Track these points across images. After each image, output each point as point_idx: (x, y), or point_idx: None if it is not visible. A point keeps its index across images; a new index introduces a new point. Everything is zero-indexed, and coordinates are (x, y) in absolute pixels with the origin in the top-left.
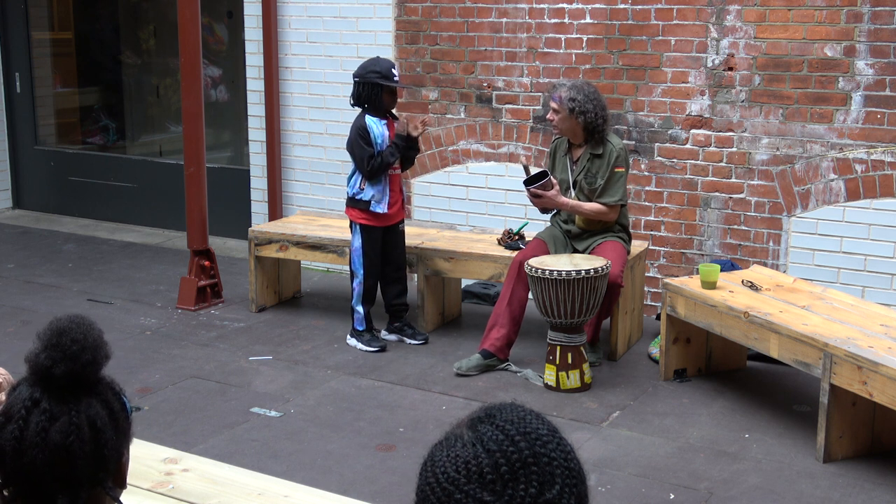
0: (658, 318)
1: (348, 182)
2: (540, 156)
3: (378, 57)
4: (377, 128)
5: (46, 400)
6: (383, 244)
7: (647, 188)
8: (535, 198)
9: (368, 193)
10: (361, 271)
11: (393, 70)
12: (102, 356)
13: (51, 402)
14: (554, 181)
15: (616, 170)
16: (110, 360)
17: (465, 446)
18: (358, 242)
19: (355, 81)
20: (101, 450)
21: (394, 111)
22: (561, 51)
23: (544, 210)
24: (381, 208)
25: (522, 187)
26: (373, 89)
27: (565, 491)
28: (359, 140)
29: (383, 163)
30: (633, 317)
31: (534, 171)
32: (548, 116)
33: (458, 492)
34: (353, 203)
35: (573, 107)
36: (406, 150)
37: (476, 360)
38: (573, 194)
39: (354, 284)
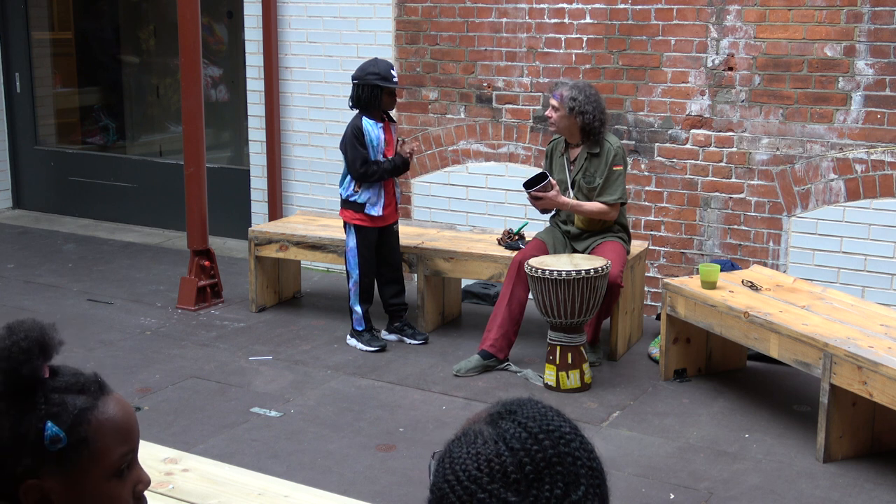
0: (658, 318)
1: (341, 183)
2: (540, 156)
3: (376, 58)
4: (373, 130)
5: None
6: (379, 245)
7: (647, 188)
8: (535, 200)
9: (364, 196)
10: (357, 271)
11: (392, 71)
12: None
13: None
14: (554, 182)
15: (614, 168)
16: (27, 377)
17: (486, 443)
18: (353, 242)
19: (354, 84)
20: None
21: (391, 113)
22: (561, 51)
23: (544, 211)
24: (377, 211)
25: (522, 187)
26: (372, 91)
27: (590, 492)
28: (354, 141)
29: (379, 172)
30: (633, 317)
31: (535, 171)
32: (546, 113)
33: (482, 491)
34: (348, 205)
35: (573, 106)
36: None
37: (475, 362)
38: (572, 194)
39: (350, 285)
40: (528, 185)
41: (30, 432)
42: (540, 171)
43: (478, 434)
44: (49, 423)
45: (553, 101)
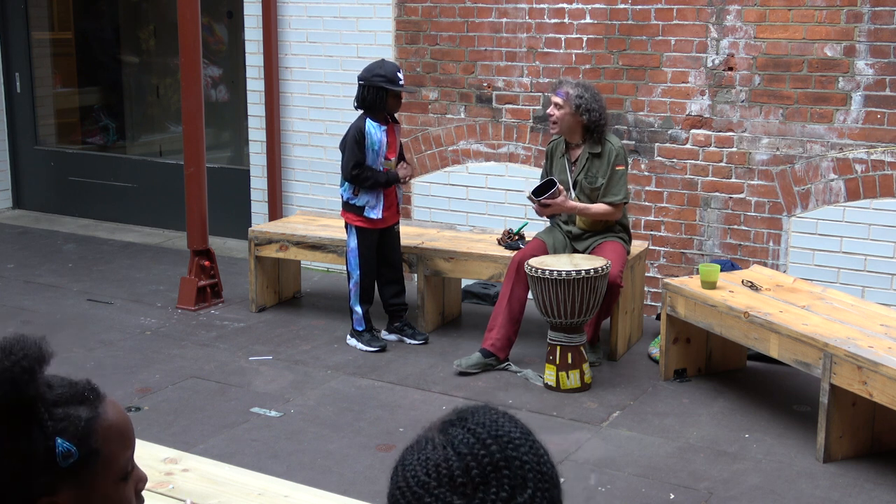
0: (658, 318)
1: (342, 184)
2: (540, 156)
3: (383, 60)
4: (376, 133)
5: None
6: (380, 246)
7: (647, 188)
8: (543, 207)
9: (363, 199)
10: (357, 272)
11: (398, 74)
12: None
13: None
14: (562, 188)
15: (617, 168)
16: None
17: (435, 449)
18: (354, 243)
19: (360, 84)
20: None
21: (396, 115)
22: (561, 51)
23: (551, 216)
24: (375, 214)
25: (522, 187)
26: (377, 93)
27: (537, 495)
28: (353, 143)
29: (371, 180)
30: (633, 317)
31: (533, 170)
32: (549, 111)
33: (429, 496)
34: (348, 207)
35: (580, 104)
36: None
37: (476, 359)
38: (573, 195)
39: (351, 285)
40: (537, 192)
41: (39, 451)
42: (547, 178)
43: (428, 441)
44: (59, 440)
45: (557, 99)
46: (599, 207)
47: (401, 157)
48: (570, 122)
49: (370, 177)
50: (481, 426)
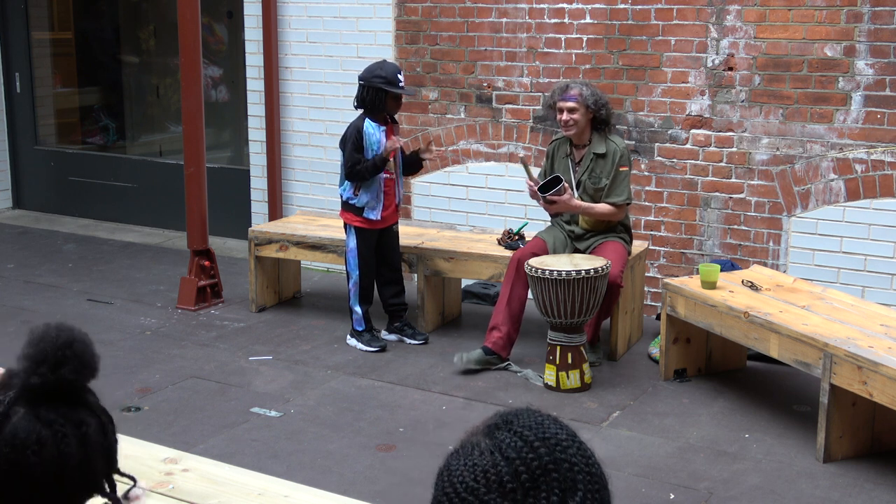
0: (658, 318)
1: (340, 183)
2: (540, 156)
3: (384, 61)
4: (375, 133)
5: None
6: (379, 246)
7: (647, 188)
8: (549, 204)
9: (363, 199)
10: (357, 272)
11: (399, 75)
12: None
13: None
14: (567, 186)
15: (621, 169)
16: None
17: (482, 454)
18: (353, 243)
19: (360, 84)
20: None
21: (395, 116)
22: (561, 51)
23: (556, 214)
24: (375, 215)
25: (523, 187)
26: (376, 94)
27: (588, 497)
28: (352, 143)
29: (364, 170)
30: (633, 317)
31: (534, 170)
32: (563, 118)
33: (478, 502)
34: (347, 207)
35: (595, 100)
36: (409, 166)
37: (477, 355)
38: (577, 195)
39: (350, 285)
40: (543, 189)
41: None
42: (553, 175)
43: (475, 446)
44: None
45: (570, 104)
46: (603, 207)
47: (402, 157)
48: (584, 123)
49: (360, 169)
50: (528, 429)
